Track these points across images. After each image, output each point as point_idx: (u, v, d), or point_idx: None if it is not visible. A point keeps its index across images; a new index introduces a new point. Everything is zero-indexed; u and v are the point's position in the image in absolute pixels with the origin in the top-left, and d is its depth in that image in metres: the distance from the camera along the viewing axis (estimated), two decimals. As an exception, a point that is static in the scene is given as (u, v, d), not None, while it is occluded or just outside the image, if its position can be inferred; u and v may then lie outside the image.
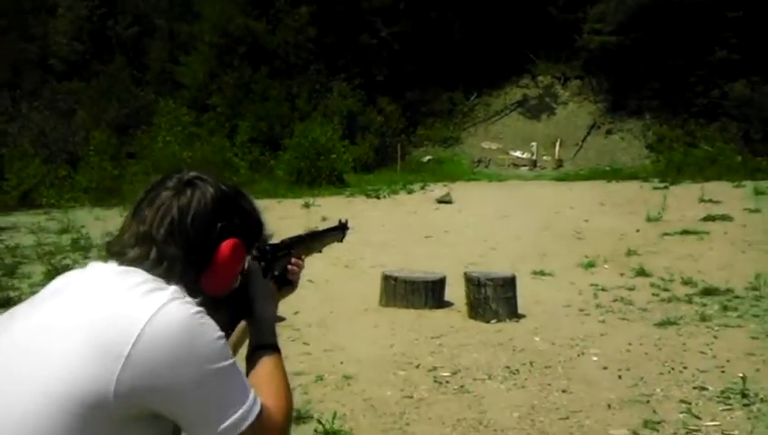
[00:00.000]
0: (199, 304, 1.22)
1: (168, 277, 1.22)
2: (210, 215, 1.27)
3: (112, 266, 1.24)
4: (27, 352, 1.11)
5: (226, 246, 1.27)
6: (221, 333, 1.18)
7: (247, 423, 1.16)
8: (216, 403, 1.14)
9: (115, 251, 1.26)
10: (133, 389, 1.08)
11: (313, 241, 1.78)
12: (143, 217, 1.27)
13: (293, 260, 1.62)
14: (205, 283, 1.27)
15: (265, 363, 1.33)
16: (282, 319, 5.11)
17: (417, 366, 5.17)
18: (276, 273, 1.55)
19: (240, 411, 1.16)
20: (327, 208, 15.02)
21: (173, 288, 1.18)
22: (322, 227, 1.98)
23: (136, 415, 1.11)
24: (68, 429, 1.06)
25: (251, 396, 1.19)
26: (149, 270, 1.22)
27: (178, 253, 1.24)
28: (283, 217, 13.91)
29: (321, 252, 1.85)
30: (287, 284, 1.61)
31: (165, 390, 1.10)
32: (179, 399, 1.12)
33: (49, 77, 27.12)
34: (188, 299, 1.18)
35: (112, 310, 1.12)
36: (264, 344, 1.36)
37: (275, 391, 1.28)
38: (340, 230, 1.96)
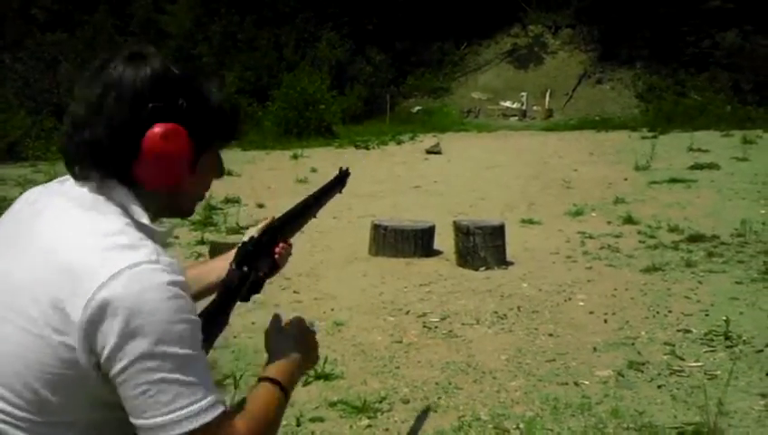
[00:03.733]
0: (148, 202, 1.12)
1: (97, 167, 1.10)
2: (140, 93, 1.09)
3: (77, 192, 1.12)
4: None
5: (157, 129, 1.09)
6: (192, 317, 1.05)
7: (192, 427, 1.01)
8: (160, 392, 1.00)
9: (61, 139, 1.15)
10: (92, 354, 1.00)
11: (307, 214, 1.61)
12: (75, 97, 1.15)
13: (280, 246, 1.49)
14: (137, 173, 1.11)
15: (264, 392, 1.19)
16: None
17: (407, 312, 5.23)
18: (261, 274, 1.41)
19: (186, 410, 1.01)
20: (315, 160, 14.96)
21: (150, 248, 1.05)
22: (316, 188, 1.76)
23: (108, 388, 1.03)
24: (52, 387, 1.02)
25: (209, 399, 1.03)
26: (75, 155, 1.12)
27: (100, 136, 1.09)
28: (271, 169, 13.89)
29: (316, 217, 1.65)
30: (273, 269, 1.48)
31: (114, 359, 0.99)
32: (117, 369, 1.00)
33: (32, 27, 26.56)
34: (165, 265, 1.04)
35: (73, 265, 1.01)
36: (271, 378, 1.22)
37: (257, 416, 1.13)
38: (338, 182, 1.72)
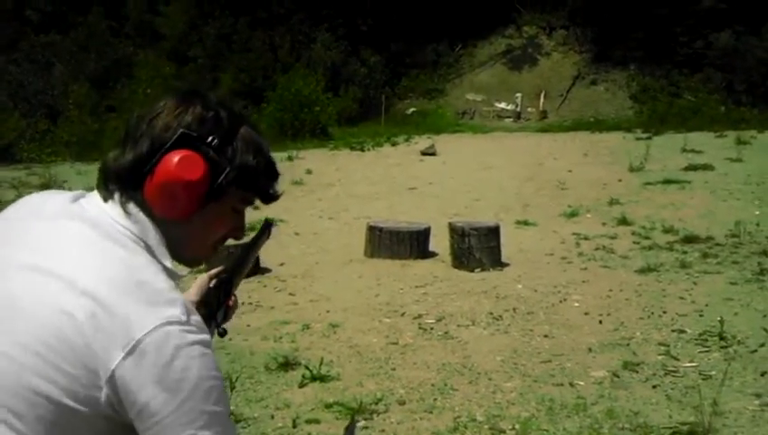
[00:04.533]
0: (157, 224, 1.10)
1: (120, 180, 1.10)
2: (181, 117, 1.10)
3: (98, 218, 1.09)
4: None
5: (176, 153, 1.08)
6: (220, 375, 1.04)
7: None
8: None
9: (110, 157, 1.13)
10: (110, 402, 0.99)
11: (247, 263, 1.57)
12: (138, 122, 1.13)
13: (233, 299, 1.47)
14: (146, 194, 1.09)
15: None
16: (267, 270, 5.19)
17: (402, 314, 5.24)
18: (221, 328, 1.39)
19: None
20: (311, 161, 14.96)
21: (182, 304, 1.04)
22: (247, 239, 1.77)
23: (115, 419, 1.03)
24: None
25: None
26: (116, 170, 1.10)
27: (134, 152, 1.09)
28: (267, 170, 13.85)
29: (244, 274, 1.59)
30: (224, 320, 1.46)
31: (146, 413, 0.99)
32: (155, 427, 1.00)
33: (26, 29, 26.53)
34: (195, 323, 1.04)
35: (106, 305, 0.99)
36: None
37: None
38: (263, 233, 1.78)
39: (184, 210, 1.11)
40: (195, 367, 1.00)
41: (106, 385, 0.98)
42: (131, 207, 1.10)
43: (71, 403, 0.99)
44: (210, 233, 1.19)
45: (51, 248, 1.06)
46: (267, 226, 1.70)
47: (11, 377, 1.00)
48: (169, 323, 0.99)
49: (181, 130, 1.09)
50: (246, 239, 1.42)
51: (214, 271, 1.48)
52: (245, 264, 1.58)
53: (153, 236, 1.10)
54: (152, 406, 0.98)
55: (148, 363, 0.97)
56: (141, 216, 1.10)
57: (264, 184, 1.23)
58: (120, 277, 1.02)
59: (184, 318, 1.02)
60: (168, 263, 1.11)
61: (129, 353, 0.97)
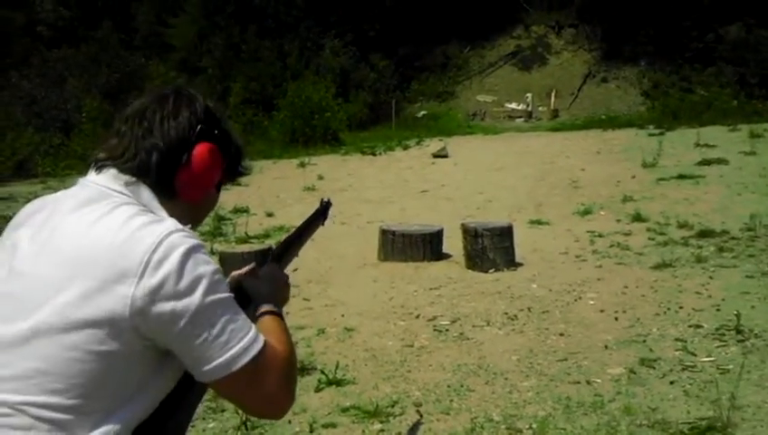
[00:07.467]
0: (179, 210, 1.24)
1: (143, 173, 1.23)
2: (193, 116, 1.27)
3: (92, 192, 1.21)
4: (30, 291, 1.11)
5: (204, 146, 1.26)
6: (218, 268, 1.17)
7: (251, 355, 1.15)
8: (215, 335, 1.12)
9: (99, 153, 1.26)
10: (142, 317, 1.09)
11: (288, 255, 1.59)
12: (126, 116, 1.29)
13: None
14: (179, 183, 1.25)
15: (275, 323, 1.32)
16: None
17: (417, 316, 5.24)
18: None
19: (242, 343, 1.14)
20: (322, 167, 15.00)
21: (172, 221, 1.18)
22: (300, 221, 1.66)
23: (151, 348, 1.13)
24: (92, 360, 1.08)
25: (254, 330, 1.18)
26: (124, 164, 1.23)
27: (157, 145, 1.23)
28: (279, 178, 13.93)
29: (299, 256, 1.63)
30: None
31: (165, 319, 1.10)
32: (177, 328, 1.11)
33: (38, 44, 26.79)
34: (188, 230, 1.18)
35: (115, 245, 1.11)
36: (273, 311, 1.35)
37: (282, 340, 1.27)
38: (320, 215, 1.67)
39: (208, 192, 1.32)
40: (201, 265, 1.14)
41: (132, 315, 1.08)
42: (126, 177, 1.23)
43: (103, 347, 1.09)
44: (208, 211, 1.39)
45: (61, 230, 1.16)
46: (326, 206, 1.64)
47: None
48: (168, 233, 1.13)
49: (201, 125, 1.27)
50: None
51: (245, 269, 1.51)
52: (290, 252, 1.59)
53: (146, 196, 1.23)
54: (177, 311, 1.10)
55: (161, 276, 1.09)
56: (132, 180, 1.23)
57: (243, 162, 1.43)
58: (117, 223, 1.13)
59: (180, 226, 1.17)
60: (164, 214, 1.23)
61: (142, 275, 1.09)
